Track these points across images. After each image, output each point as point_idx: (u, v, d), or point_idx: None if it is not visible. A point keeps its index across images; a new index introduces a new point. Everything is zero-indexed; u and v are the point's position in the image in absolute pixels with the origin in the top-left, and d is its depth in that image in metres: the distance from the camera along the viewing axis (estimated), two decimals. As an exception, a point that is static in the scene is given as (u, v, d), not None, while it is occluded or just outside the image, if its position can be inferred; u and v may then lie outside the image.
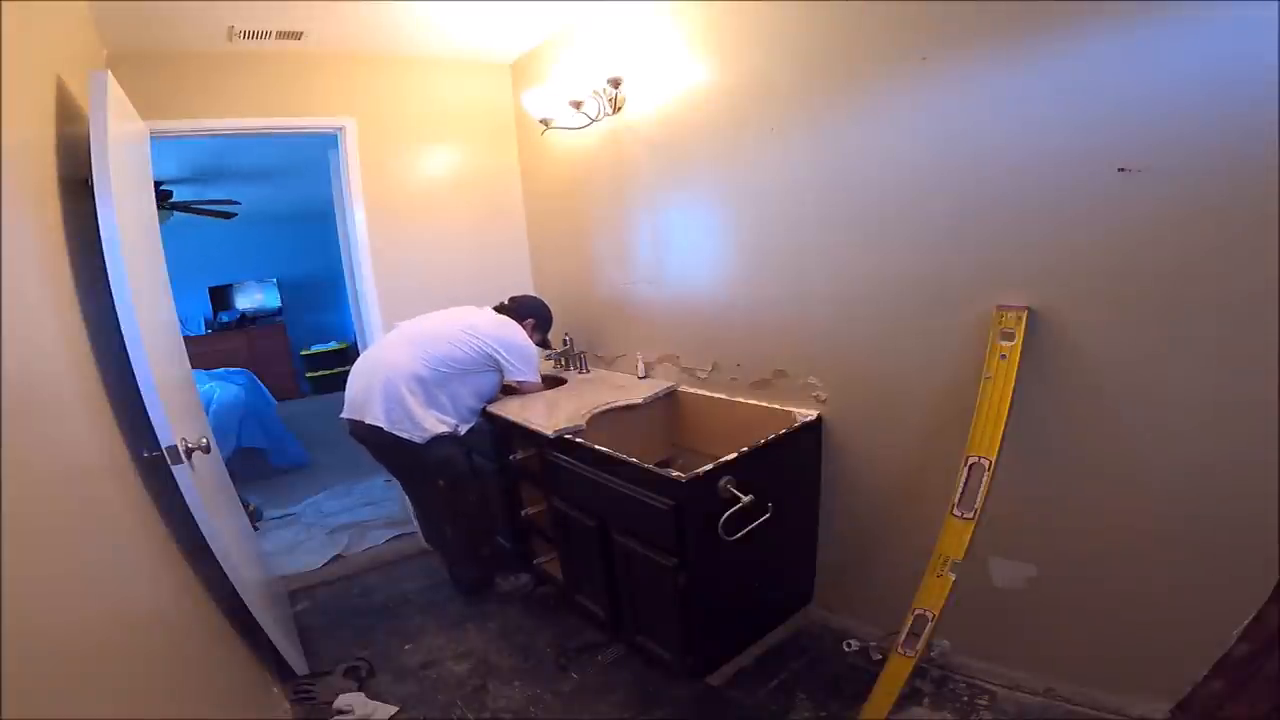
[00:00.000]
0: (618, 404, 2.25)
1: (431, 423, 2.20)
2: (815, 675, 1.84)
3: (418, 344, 2.25)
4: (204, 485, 1.55)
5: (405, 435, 2.18)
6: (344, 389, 2.33)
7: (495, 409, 2.35)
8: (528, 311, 2.55)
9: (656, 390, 2.36)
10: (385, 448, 2.27)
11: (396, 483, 2.85)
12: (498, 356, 2.30)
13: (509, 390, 2.50)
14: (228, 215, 4.95)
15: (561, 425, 2.01)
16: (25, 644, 0.72)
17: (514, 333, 2.37)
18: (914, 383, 1.70)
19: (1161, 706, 1.42)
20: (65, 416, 1.13)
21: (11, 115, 1.10)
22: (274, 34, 2.30)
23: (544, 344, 2.67)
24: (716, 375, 2.26)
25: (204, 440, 1.62)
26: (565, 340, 2.88)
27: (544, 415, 2.18)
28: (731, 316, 2.16)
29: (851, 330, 1.82)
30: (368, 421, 2.19)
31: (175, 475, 1.44)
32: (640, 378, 2.55)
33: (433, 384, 2.22)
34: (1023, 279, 1.45)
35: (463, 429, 2.31)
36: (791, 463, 1.91)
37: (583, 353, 2.86)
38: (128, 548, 1.25)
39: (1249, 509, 1.24)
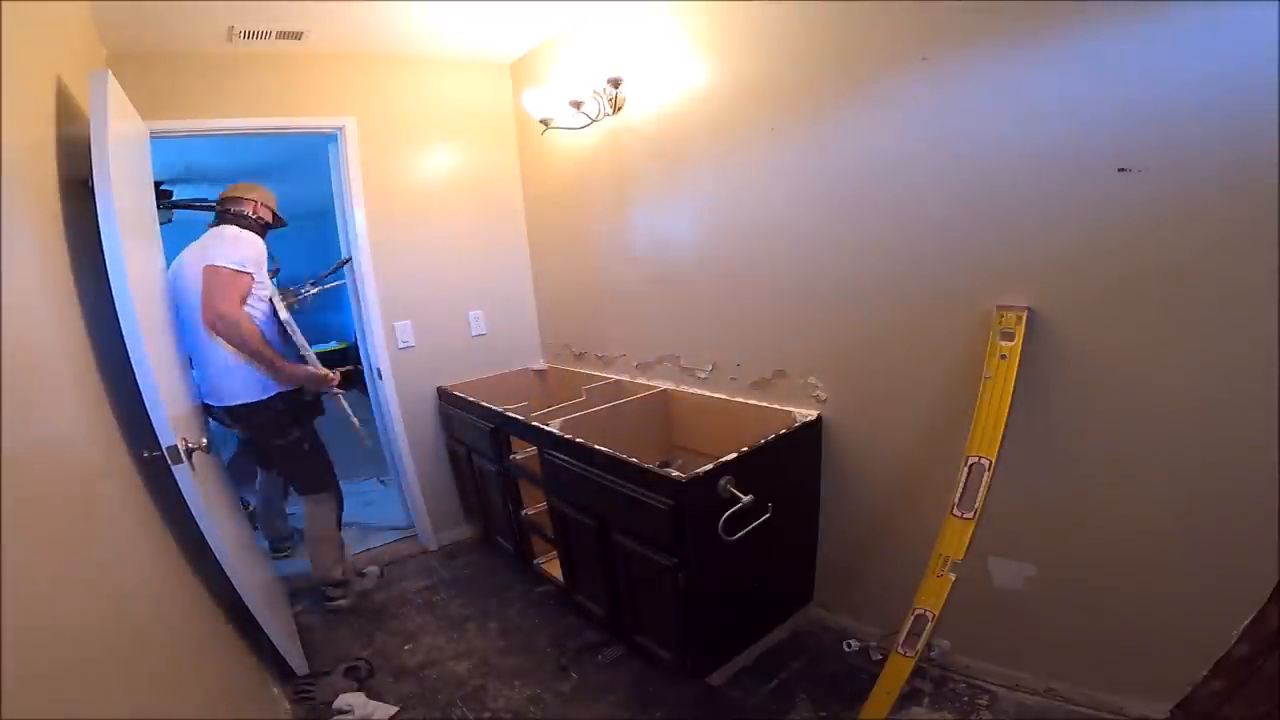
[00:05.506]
0: (618, 403, 2.25)
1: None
2: (815, 675, 1.84)
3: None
4: (204, 485, 1.55)
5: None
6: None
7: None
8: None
9: (656, 390, 2.36)
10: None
11: (394, 482, 2.79)
12: None
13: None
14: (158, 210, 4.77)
15: (558, 420, 2.01)
16: (25, 644, 0.72)
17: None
18: (914, 383, 1.70)
19: (1161, 706, 1.42)
20: (65, 416, 1.12)
21: (12, 115, 1.09)
22: (274, 34, 2.29)
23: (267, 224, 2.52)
24: (716, 375, 2.26)
25: (204, 440, 1.62)
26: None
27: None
28: (731, 316, 2.16)
29: (851, 330, 1.82)
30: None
31: (175, 475, 1.45)
32: (640, 378, 2.56)
33: None
34: (1023, 279, 1.45)
35: None
36: (791, 462, 1.91)
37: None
38: (127, 548, 1.25)
39: (1249, 509, 1.24)
